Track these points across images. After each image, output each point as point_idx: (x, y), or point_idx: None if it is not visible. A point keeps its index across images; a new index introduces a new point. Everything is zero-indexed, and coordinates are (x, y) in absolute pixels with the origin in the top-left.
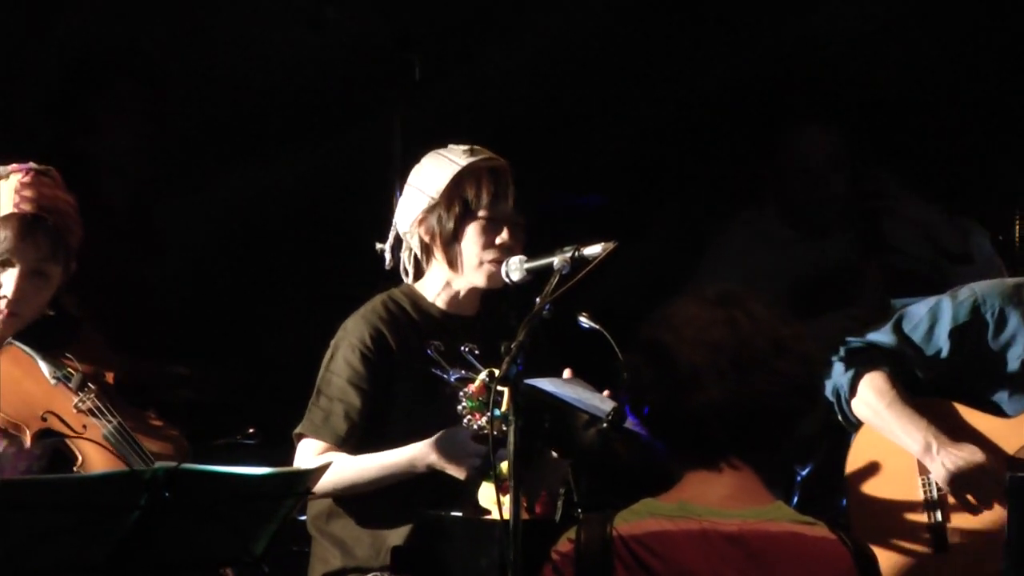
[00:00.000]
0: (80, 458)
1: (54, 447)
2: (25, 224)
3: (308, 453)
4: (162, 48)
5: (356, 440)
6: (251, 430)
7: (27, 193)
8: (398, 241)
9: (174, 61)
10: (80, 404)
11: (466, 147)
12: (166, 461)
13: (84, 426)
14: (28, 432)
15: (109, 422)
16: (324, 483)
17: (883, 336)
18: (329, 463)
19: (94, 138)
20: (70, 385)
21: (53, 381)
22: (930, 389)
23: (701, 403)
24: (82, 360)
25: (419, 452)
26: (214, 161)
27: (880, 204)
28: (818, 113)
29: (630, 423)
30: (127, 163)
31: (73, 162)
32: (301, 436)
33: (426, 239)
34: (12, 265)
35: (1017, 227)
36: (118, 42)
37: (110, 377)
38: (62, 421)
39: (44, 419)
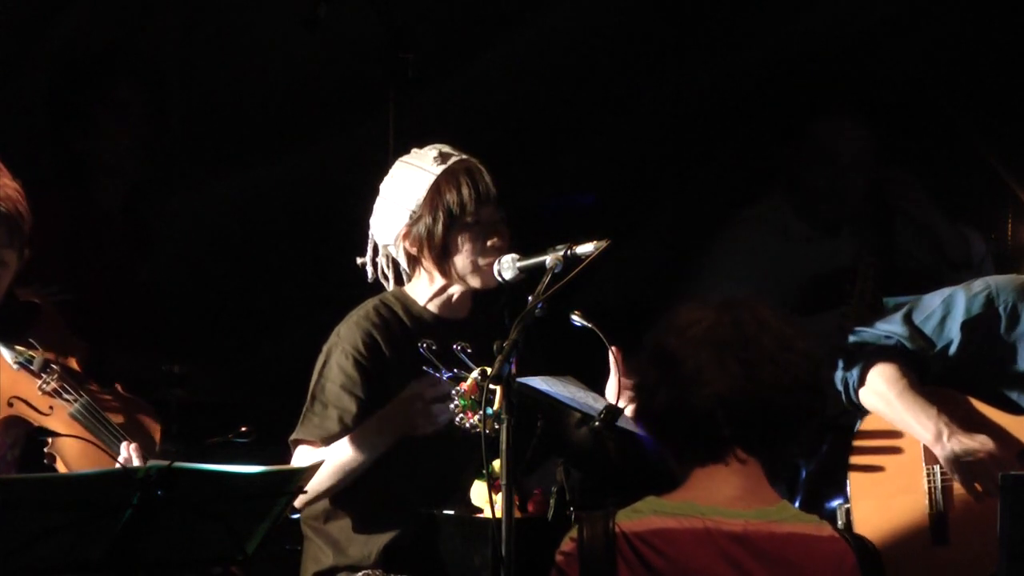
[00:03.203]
0: (50, 440)
1: (27, 434)
2: None
3: (305, 458)
4: (159, 48)
5: None
6: (244, 429)
7: None
8: (377, 253)
9: (171, 61)
10: (44, 386)
11: (435, 153)
12: (136, 434)
13: (51, 407)
14: None
15: (75, 400)
16: (312, 483)
17: (893, 325)
18: (321, 462)
19: (92, 139)
20: (32, 368)
21: (15, 366)
22: (940, 382)
23: (707, 397)
24: (43, 344)
25: (380, 423)
26: (208, 161)
27: (901, 203)
28: (845, 107)
29: (624, 420)
30: (125, 164)
31: (71, 163)
32: (297, 442)
33: (413, 251)
34: None
35: (1009, 226)
36: (116, 43)
37: (74, 362)
38: (28, 405)
39: (10, 404)
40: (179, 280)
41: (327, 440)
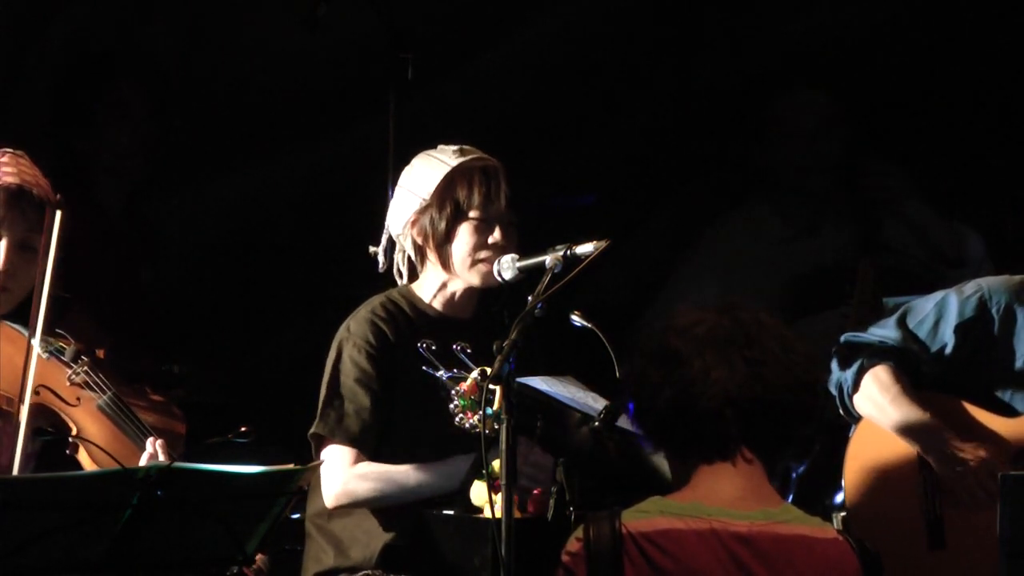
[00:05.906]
0: (75, 428)
1: (51, 423)
2: (10, 195)
3: (340, 460)
4: (160, 48)
5: (372, 439)
6: (244, 429)
7: (7, 168)
8: (391, 243)
9: (171, 61)
10: (74, 377)
11: (456, 148)
12: (162, 432)
13: (78, 398)
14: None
15: (104, 393)
16: (367, 491)
17: (887, 331)
18: (320, 462)
19: (94, 139)
20: (63, 358)
21: (46, 356)
22: (935, 385)
23: (716, 395)
24: (73, 336)
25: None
26: (208, 161)
27: (884, 197)
28: (805, 79)
29: (624, 420)
30: (126, 164)
31: (72, 163)
32: (319, 438)
33: (419, 240)
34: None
35: (1009, 226)
36: (117, 43)
37: (101, 352)
38: (56, 395)
39: (37, 393)
40: (179, 280)
41: (352, 440)
